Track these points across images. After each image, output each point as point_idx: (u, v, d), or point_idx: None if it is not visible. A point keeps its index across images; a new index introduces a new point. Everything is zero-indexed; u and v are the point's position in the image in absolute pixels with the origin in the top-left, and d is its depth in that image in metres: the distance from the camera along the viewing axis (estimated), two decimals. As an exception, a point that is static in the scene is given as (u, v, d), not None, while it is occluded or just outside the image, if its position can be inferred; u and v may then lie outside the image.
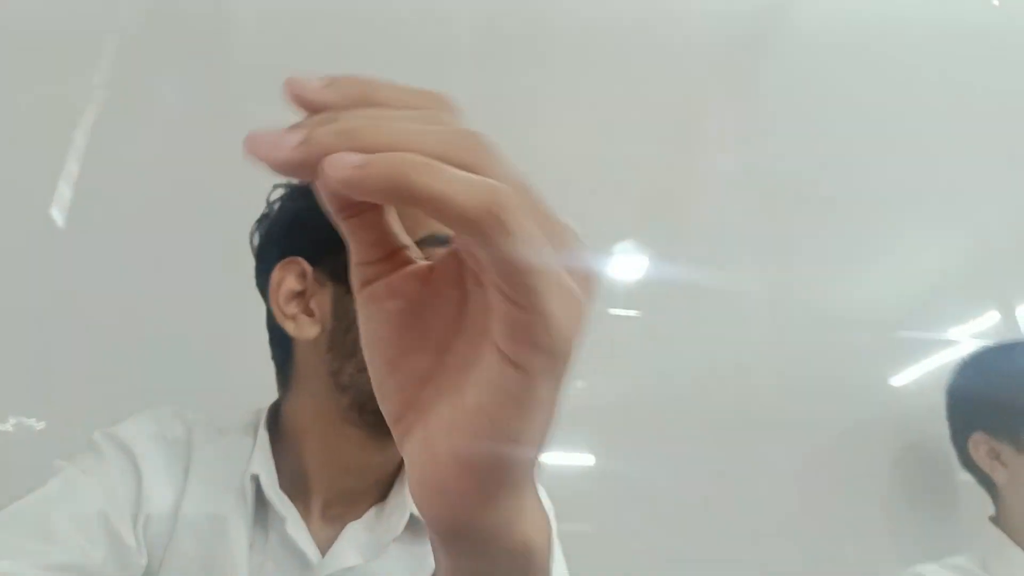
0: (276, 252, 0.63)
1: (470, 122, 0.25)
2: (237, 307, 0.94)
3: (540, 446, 0.24)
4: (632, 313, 1.12)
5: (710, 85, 1.34)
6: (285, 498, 0.59)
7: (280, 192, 0.67)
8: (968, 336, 1.23)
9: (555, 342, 0.22)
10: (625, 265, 1.17)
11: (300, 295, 0.61)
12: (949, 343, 1.21)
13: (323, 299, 0.60)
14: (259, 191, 0.89)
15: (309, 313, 0.60)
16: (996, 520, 1.00)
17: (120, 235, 0.97)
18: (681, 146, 1.28)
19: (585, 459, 1.03)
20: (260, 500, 0.59)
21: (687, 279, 1.17)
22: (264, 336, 0.66)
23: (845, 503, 1.08)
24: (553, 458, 1.01)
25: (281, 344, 0.64)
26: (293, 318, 0.60)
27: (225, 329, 0.94)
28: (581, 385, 1.05)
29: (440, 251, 0.57)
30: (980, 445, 1.02)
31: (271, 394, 0.67)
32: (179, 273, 0.96)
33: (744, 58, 1.40)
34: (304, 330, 0.60)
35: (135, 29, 1.12)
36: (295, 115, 0.23)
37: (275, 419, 0.65)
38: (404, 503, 0.62)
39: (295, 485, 0.61)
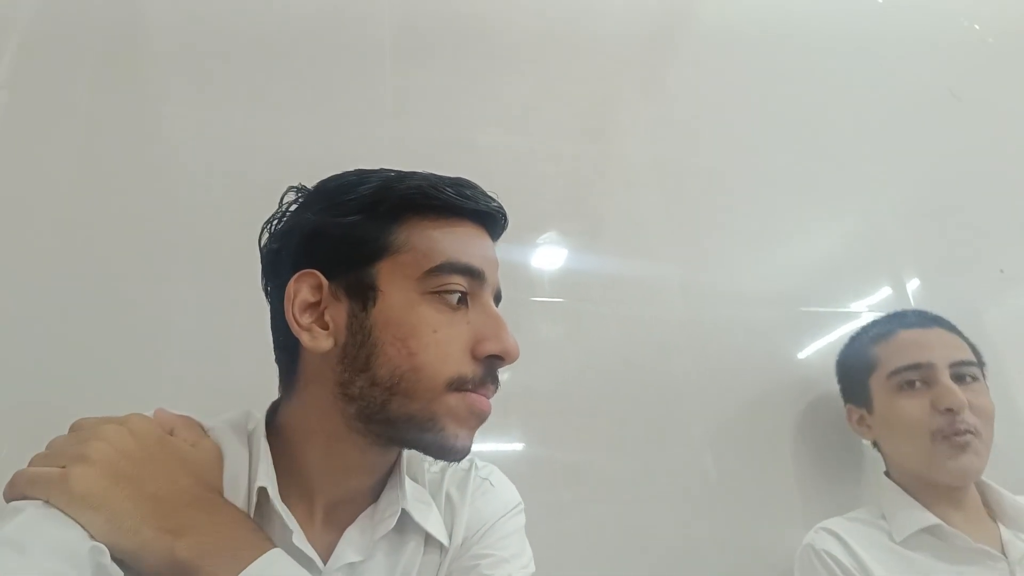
0: (291, 261, 0.64)
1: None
2: (142, 310, 0.95)
3: None
4: (556, 300, 1.16)
5: (622, 80, 1.41)
6: (287, 509, 0.60)
7: (293, 195, 0.68)
8: (865, 308, 1.33)
9: None
10: (548, 255, 1.21)
11: (314, 306, 0.62)
12: (849, 316, 1.31)
13: (338, 313, 0.61)
14: (166, 192, 0.90)
15: (324, 326, 0.62)
16: (888, 474, 1.09)
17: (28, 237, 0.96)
18: (596, 139, 1.33)
19: (514, 445, 1.07)
20: (262, 511, 0.59)
21: (607, 266, 1.22)
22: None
23: (758, 467, 1.15)
24: (484, 444, 1.05)
25: (287, 350, 0.65)
26: (308, 330, 0.61)
27: (123, 331, 0.94)
28: (510, 369, 1.09)
29: (459, 278, 0.62)
30: (852, 413, 1.13)
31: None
32: (86, 274, 0.96)
33: (654, 54, 1.47)
34: (319, 342, 0.61)
35: (36, 27, 1.10)
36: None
37: (272, 424, 0.65)
38: (396, 500, 0.65)
39: (296, 490, 0.62)
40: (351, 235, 0.62)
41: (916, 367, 1.04)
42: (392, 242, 0.62)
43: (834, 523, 1.03)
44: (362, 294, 0.61)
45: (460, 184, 0.66)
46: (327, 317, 0.62)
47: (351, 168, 0.68)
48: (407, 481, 0.67)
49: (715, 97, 1.45)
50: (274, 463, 0.61)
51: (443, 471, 0.72)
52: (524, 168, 1.25)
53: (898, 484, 1.06)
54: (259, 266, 0.68)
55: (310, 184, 0.68)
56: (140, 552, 0.51)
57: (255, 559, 0.52)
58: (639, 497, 1.08)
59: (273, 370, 0.67)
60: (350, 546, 0.62)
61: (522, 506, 0.74)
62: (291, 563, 0.54)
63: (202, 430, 0.64)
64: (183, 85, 1.12)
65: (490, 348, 0.61)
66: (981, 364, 1.08)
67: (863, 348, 1.12)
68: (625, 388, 1.14)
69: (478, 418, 0.61)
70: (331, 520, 0.63)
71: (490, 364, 0.62)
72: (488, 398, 0.62)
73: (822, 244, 1.41)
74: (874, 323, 1.15)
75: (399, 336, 0.59)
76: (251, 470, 0.61)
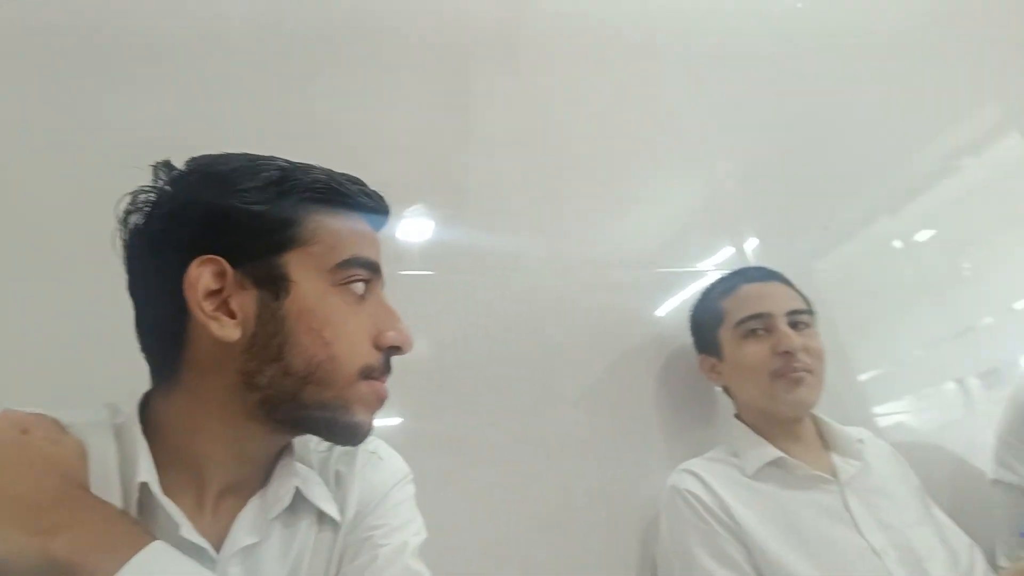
0: (184, 245, 0.61)
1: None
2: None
3: None
4: (426, 273, 1.17)
5: (477, 52, 1.42)
6: (172, 503, 0.58)
7: (174, 173, 0.64)
8: (712, 267, 1.44)
9: None
10: (414, 228, 1.21)
11: (215, 294, 0.60)
12: (698, 275, 1.41)
13: (246, 302, 0.61)
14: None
15: (230, 314, 0.60)
16: (738, 416, 1.20)
17: None
18: (454, 111, 1.34)
19: (393, 419, 1.07)
20: (144, 506, 0.58)
21: (473, 236, 1.24)
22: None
23: (626, 420, 1.23)
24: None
25: (170, 338, 0.62)
26: (215, 318, 0.60)
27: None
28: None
29: (363, 272, 0.64)
30: (704, 362, 1.24)
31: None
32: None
33: (507, 26, 1.49)
34: (227, 331, 0.60)
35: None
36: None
37: (147, 416, 0.63)
38: (289, 482, 0.65)
39: (182, 482, 0.61)
40: (258, 223, 0.62)
41: (758, 316, 1.15)
42: (301, 233, 0.63)
43: (693, 464, 1.13)
44: (273, 284, 0.61)
45: (354, 181, 0.68)
46: (234, 305, 0.60)
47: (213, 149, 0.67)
48: (295, 461, 0.67)
49: (566, 67, 1.50)
50: (153, 456, 0.60)
51: (330, 450, 0.72)
52: (385, 141, 1.24)
53: (746, 424, 1.17)
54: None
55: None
56: (11, 557, 0.48)
57: (136, 553, 0.50)
58: (518, 459, 1.12)
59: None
60: (244, 529, 0.62)
61: (411, 476, 0.76)
62: (175, 554, 0.52)
63: (60, 427, 0.60)
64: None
65: (392, 340, 0.65)
66: (812, 312, 1.21)
67: (712, 303, 1.22)
68: (498, 355, 1.17)
69: (381, 403, 0.65)
70: (222, 507, 0.63)
71: (388, 354, 0.65)
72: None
73: (672, 208, 1.50)
74: (721, 280, 1.25)
75: (313, 326, 0.61)
76: (124, 465, 0.59)
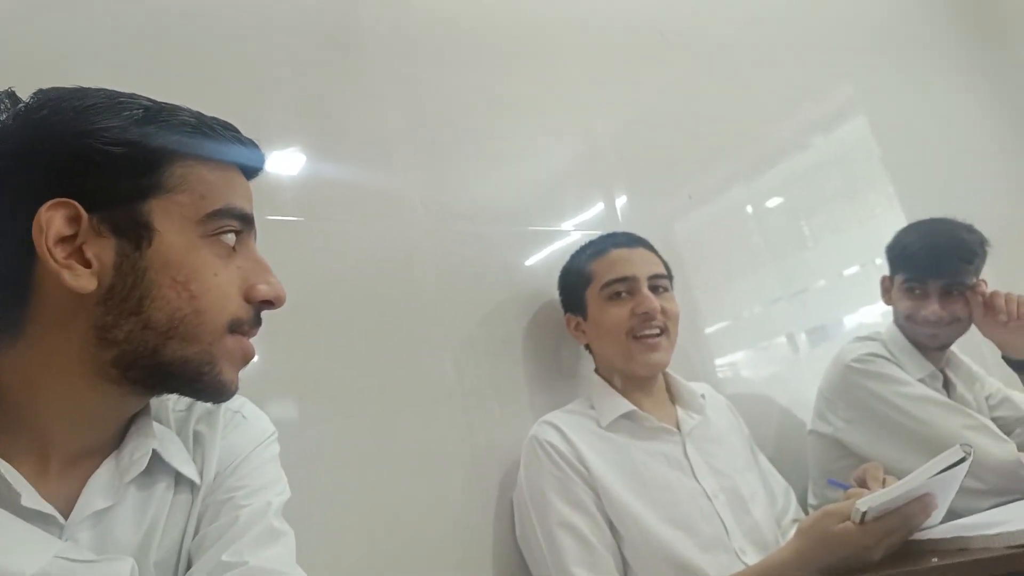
0: (30, 185, 0.56)
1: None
2: None
3: None
4: (296, 219, 1.13)
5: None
6: (11, 469, 0.54)
7: (20, 107, 0.57)
8: (572, 227, 1.49)
9: None
10: (287, 169, 1.16)
11: (68, 240, 0.56)
12: (565, 234, 1.46)
13: (103, 250, 0.56)
14: None
15: (85, 263, 0.56)
16: (597, 371, 1.28)
17: None
18: (338, 49, 1.28)
19: (262, 365, 1.04)
20: None
21: (349, 181, 1.21)
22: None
23: (493, 369, 1.27)
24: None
25: (14, 286, 0.57)
26: (68, 267, 0.55)
27: None
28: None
29: (234, 222, 0.61)
30: (570, 321, 1.31)
31: None
32: None
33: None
34: (81, 281, 0.55)
35: None
36: None
37: None
38: (145, 443, 0.62)
39: (22, 444, 0.56)
40: (118, 165, 0.57)
41: (623, 280, 1.23)
42: (166, 179, 0.59)
43: (553, 416, 1.20)
44: (135, 233, 0.57)
45: (227, 127, 0.64)
46: (89, 254, 0.56)
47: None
48: (152, 422, 0.65)
49: (456, 18, 1.47)
50: None
51: (189, 409, 0.70)
52: (261, 73, 1.17)
53: (604, 379, 1.25)
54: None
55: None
56: None
57: None
58: (387, 407, 1.13)
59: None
60: (96, 493, 0.59)
61: (276, 435, 0.75)
62: (14, 520, 0.50)
63: None
64: None
65: (264, 293, 0.62)
66: (670, 277, 1.30)
67: (582, 265, 1.28)
68: (370, 304, 1.17)
69: (247, 360, 0.63)
70: (71, 470, 0.59)
71: (259, 308, 0.63)
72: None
73: (550, 165, 1.53)
74: (591, 243, 1.31)
75: (179, 279, 0.57)
76: None
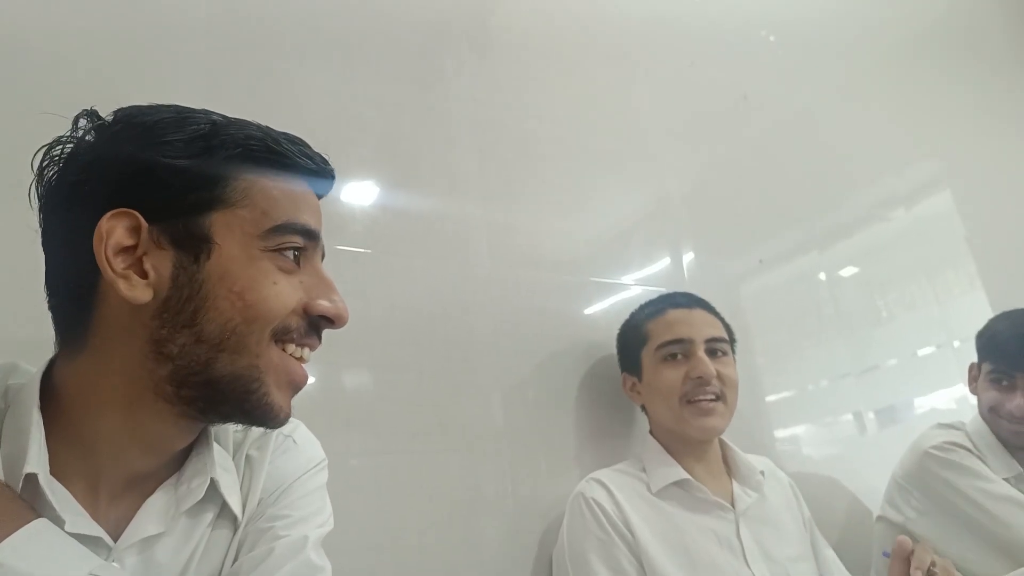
0: (100, 197, 0.56)
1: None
2: None
3: None
4: (364, 251, 1.14)
5: (450, 31, 1.38)
6: (62, 490, 0.53)
7: (98, 123, 0.59)
8: (637, 282, 1.46)
9: None
10: (360, 201, 1.18)
11: (129, 251, 0.56)
12: (626, 287, 1.43)
13: (161, 262, 0.56)
14: None
15: (142, 274, 0.56)
16: (652, 432, 1.24)
17: None
18: (419, 88, 1.31)
19: (312, 393, 1.05)
20: (30, 490, 0.52)
21: (418, 218, 1.22)
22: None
23: (543, 421, 1.24)
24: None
25: (79, 298, 0.57)
26: (125, 276, 0.55)
27: None
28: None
29: (297, 238, 0.60)
30: (626, 381, 1.27)
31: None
32: None
33: (483, 8, 1.46)
34: (137, 292, 0.55)
35: None
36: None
37: (48, 386, 0.57)
38: (204, 470, 0.61)
39: (77, 464, 0.56)
40: (181, 179, 0.57)
41: (679, 342, 1.19)
42: (229, 193, 0.58)
43: (603, 474, 1.16)
44: (194, 245, 0.57)
45: (295, 142, 0.64)
46: (147, 265, 0.56)
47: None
48: (214, 445, 0.64)
49: (539, 65, 1.49)
50: (52, 432, 0.55)
51: (246, 431, 0.69)
52: (343, 109, 1.20)
53: (659, 442, 1.21)
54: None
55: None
56: None
57: (15, 530, 0.47)
58: (430, 448, 1.11)
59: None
60: (150, 518, 0.58)
61: (325, 463, 0.73)
62: (58, 534, 0.50)
63: None
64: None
65: (324, 309, 0.61)
66: (732, 340, 1.25)
67: (639, 324, 1.25)
68: (426, 341, 1.16)
69: (296, 385, 0.61)
70: (125, 493, 0.58)
71: (318, 323, 0.61)
72: (312, 350, 0.63)
73: (616, 218, 1.51)
74: (649, 302, 1.28)
75: (235, 289, 0.56)
76: (12, 441, 0.54)
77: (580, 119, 1.50)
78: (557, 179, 1.42)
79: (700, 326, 1.20)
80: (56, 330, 0.60)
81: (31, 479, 0.52)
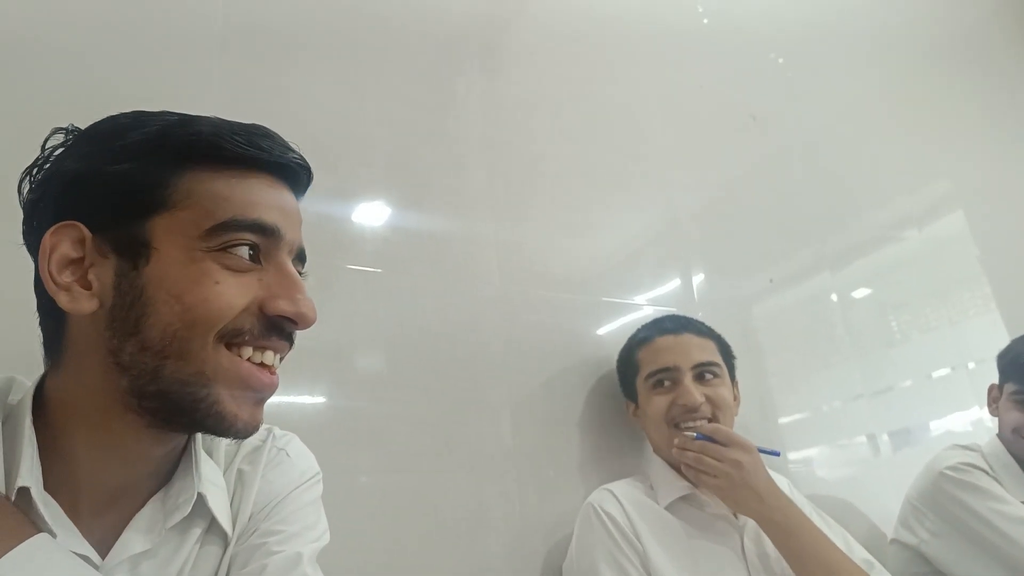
0: (51, 212, 0.56)
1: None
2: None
3: None
4: (375, 270, 1.16)
5: (461, 53, 1.41)
6: (55, 505, 0.53)
7: (59, 139, 0.59)
8: (648, 301, 1.46)
9: None
10: (370, 222, 1.20)
11: (77, 263, 0.55)
12: (635, 307, 1.43)
13: (104, 271, 0.55)
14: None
15: (86, 285, 0.55)
16: (657, 451, 1.23)
17: None
18: (430, 109, 1.33)
19: (320, 410, 1.06)
20: (22, 503, 0.52)
21: (428, 237, 1.23)
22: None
23: (550, 439, 1.24)
24: (289, 404, 1.03)
25: (52, 314, 0.57)
26: (67, 289, 0.54)
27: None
28: (319, 333, 1.07)
29: (248, 235, 0.57)
30: (628, 406, 1.28)
31: None
32: None
33: (495, 32, 1.48)
34: (79, 304, 0.54)
35: None
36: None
37: (40, 400, 0.57)
38: (191, 486, 0.60)
39: (59, 477, 0.55)
40: (120, 185, 0.55)
41: (665, 370, 1.19)
42: (170, 195, 0.56)
43: (615, 486, 1.17)
44: (134, 252, 0.55)
45: (252, 132, 0.60)
46: (91, 275, 0.55)
47: None
48: (203, 458, 0.63)
49: (548, 85, 1.50)
50: (44, 447, 0.55)
51: (237, 444, 0.68)
52: (354, 129, 1.22)
53: (663, 459, 1.21)
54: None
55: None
56: None
57: (15, 545, 0.47)
58: (438, 467, 1.11)
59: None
60: (138, 535, 0.57)
61: (319, 476, 0.71)
62: (59, 549, 0.49)
63: None
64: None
65: (282, 308, 0.57)
66: (729, 358, 1.25)
67: (632, 352, 1.26)
68: (435, 360, 1.17)
69: (253, 388, 0.57)
70: (108, 508, 0.57)
71: (279, 324, 0.58)
72: (276, 353, 0.59)
73: (626, 238, 1.52)
74: (642, 327, 1.29)
75: (173, 293, 0.54)
76: (7, 457, 0.53)
77: (589, 140, 1.52)
78: (567, 199, 1.43)
79: (687, 352, 1.20)
80: (43, 346, 0.60)
81: (24, 493, 0.52)
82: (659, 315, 1.31)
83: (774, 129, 1.84)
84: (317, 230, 1.11)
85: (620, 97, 1.61)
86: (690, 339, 1.22)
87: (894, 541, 1.40)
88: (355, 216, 1.17)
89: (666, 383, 1.19)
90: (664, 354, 1.20)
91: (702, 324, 1.27)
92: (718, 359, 1.22)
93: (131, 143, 0.56)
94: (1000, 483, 1.31)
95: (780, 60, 1.95)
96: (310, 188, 0.67)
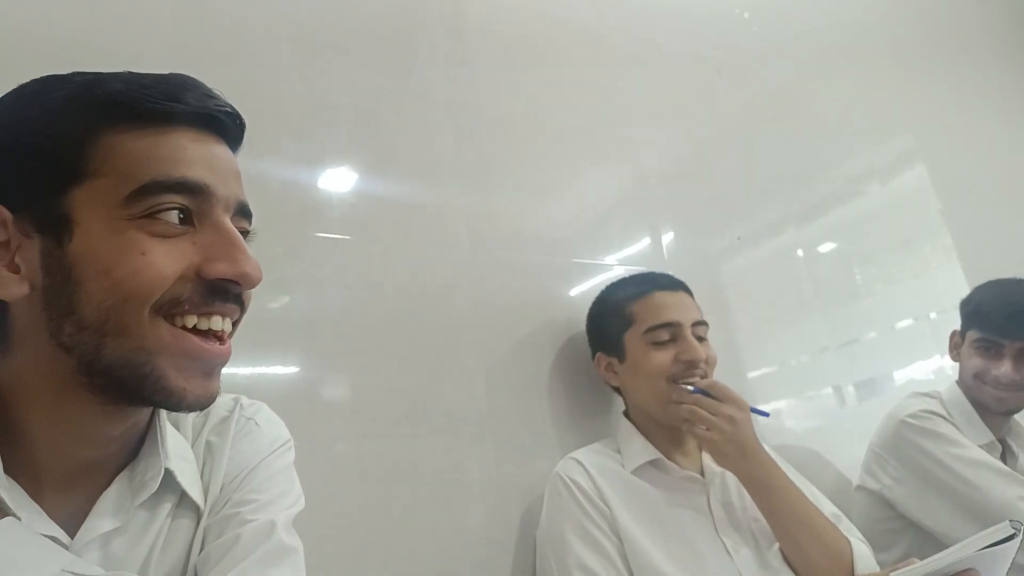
0: None
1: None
2: None
3: None
4: (343, 237, 1.14)
5: (424, 14, 1.38)
6: (17, 488, 0.52)
7: None
8: (618, 262, 1.47)
9: None
10: (338, 188, 1.18)
11: (2, 247, 0.53)
12: (605, 268, 1.44)
13: (30, 252, 0.53)
14: None
15: (14, 269, 0.52)
16: (627, 414, 1.25)
17: None
18: (394, 72, 1.30)
19: (293, 379, 1.06)
20: None
21: (395, 203, 1.22)
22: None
23: (522, 400, 1.25)
24: (262, 374, 1.02)
25: None
26: None
27: None
28: (289, 302, 1.07)
29: (174, 196, 0.53)
30: (601, 361, 1.27)
31: None
32: None
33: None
34: (9, 289, 0.52)
35: None
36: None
37: None
38: (158, 460, 0.58)
39: (18, 459, 0.53)
40: (34, 159, 0.52)
41: (668, 325, 1.19)
42: (87, 163, 0.52)
43: (580, 453, 1.17)
44: (55, 228, 0.52)
45: (169, 83, 0.55)
46: (18, 259, 0.52)
47: None
48: (170, 433, 0.61)
49: (512, 46, 1.48)
50: (3, 433, 0.53)
51: (204, 416, 0.66)
52: (317, 96, 1.19)
53: (632, 423, 1.22)
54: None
55: None
56: None
57: None
58: (413, 432, 1.12)
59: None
60: (105, 513, 0.56)
61: (290, 443, 0.70)
62: (25, 531, 0.49)
63: None
64: None
65: (221, 270, 0.54)
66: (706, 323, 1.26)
67: (621, 305, 1.24)
68: (407, 326, 1.16)
69: (201, 359, 0.55)
70: (72, 488, 0.56)
71: (222, 287, 0.55)
72: (225, 318, 0.57)
73: (595, 199, 1.52)
74: (629, 281, 1.28)
75: (101, 268, 0.51)
76: None
77: (556, 100, 1.50)
78: (534, 160, 1.42)
79: (687, 310, 1.21)
80: None
81: None
82: (628, 275, 1.31)
83: (739, 85, 1.84)
84: (283, 198, 1.11)
85: (585, 56, 1.59)
86: (685, 298, 1.24)
87: (859, 487, 1.44)
88: (321, 183, 1.15)
89: (667, 338, 1.19)
90: (665, 310, 1.20)
91: (687, 286, 1.27)
92: (705, 321, 1.24)
93: (39, 113, 0.53)
94: (958, 428, 1.36)
95: (745, 15, 1.94)
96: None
